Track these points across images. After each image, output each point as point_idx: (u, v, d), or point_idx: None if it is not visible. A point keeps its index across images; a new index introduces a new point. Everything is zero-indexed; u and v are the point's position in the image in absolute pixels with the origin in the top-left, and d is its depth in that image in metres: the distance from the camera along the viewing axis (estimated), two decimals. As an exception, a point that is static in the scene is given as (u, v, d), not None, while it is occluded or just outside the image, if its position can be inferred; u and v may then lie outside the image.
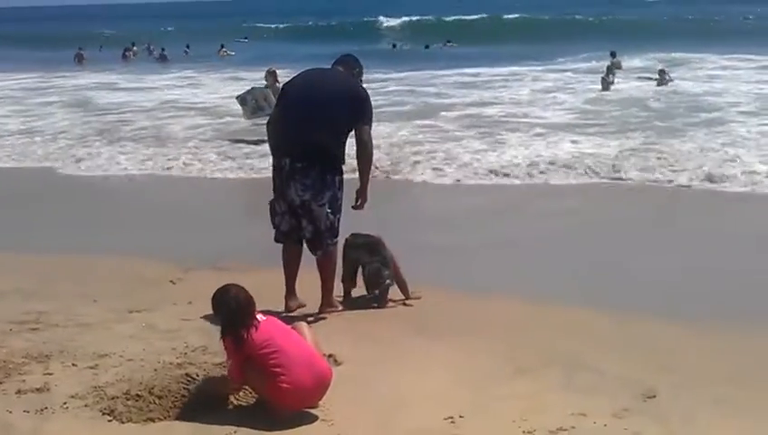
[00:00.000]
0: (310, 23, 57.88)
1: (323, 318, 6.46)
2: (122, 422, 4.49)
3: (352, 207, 6.52)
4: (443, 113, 18.72)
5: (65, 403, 4.68)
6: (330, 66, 6.76)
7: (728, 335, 6.21)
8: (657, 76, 23.20)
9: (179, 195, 12.48)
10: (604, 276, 7.86)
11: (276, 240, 6.58)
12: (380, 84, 23.84)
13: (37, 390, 4.84)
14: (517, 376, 5.35)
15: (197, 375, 4.95)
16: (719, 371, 5.54)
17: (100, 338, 5.84)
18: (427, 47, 41.87)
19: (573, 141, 14.68)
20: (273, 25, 56.19)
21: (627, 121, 17.05)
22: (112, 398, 4.71)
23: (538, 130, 16.09)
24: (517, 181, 12.41)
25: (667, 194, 11.50)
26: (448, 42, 43.68)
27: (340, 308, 6.67)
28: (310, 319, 6.18)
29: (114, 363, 5.30)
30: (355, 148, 6.41)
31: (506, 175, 12.69)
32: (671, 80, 23.13)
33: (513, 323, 6.59)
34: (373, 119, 6.51)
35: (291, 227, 6.47)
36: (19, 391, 4.82)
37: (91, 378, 5.05)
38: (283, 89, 6.82)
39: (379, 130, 12.71)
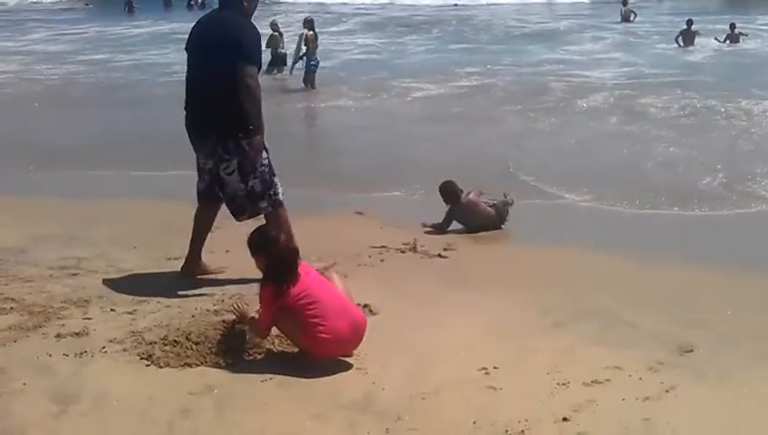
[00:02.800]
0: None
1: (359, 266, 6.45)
2: (160, 367, 4.55)
3: (246, 143, 5.75)
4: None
5: (104, 347, 4.75)
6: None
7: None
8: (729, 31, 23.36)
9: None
10: (643, 227, 7.81)
11: (197, 198, 6.19)
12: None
13: (76, 334, 4.92)
14: (552, 328, 5.34)
15: (234, 322, 5.00)
16: (760, 325, 5.47)
17: (139, 284, 5.91)
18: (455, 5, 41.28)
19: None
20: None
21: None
22: (150, 343, 4.77)
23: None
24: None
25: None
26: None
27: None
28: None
29: (152, 309, 5.37)
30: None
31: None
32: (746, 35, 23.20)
33: (548, 273, 6.58)
34: (255, 55, 5.79)
35: (206, 186, 6.06)
36: (59, 335, 4.90)
37: (129, 323, 5.12)
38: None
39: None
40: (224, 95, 5.69)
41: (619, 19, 31.96)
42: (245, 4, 5.93)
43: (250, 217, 6.03)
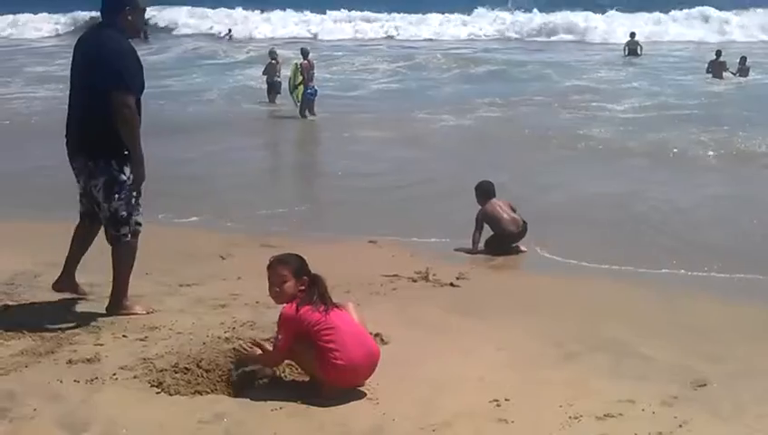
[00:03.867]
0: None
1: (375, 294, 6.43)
2: (170, 394, 4.54)
3: (129, 187, 5.70)
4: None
5: (115, 374, 4.74)
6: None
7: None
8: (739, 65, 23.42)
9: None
10: (655, 254, 7.79)
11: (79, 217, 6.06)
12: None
13: (88, 360, 4.92)
14: (565, 360, 5.30)
15: (245, 350, 4.98)
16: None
17: (151, 310, 5.90)
18: None
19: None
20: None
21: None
22: (161, 370, 4.76)
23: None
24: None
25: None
26: None
27: (138, 311, 5.86)
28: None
29: (163, 336, 5.37)
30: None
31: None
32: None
33: (562, 303, 6.54)
34: (133, 81, 5.55)
35: (85, 209, 5.95)
36: (70, 361, 4.90)
37: (140, 350, 5.11)
38: None
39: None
40: (96, 118, 5.54)
41: (625, 52, 31.58)
42: (129, 18, 5.69)
43: (112, 244, 5.81)
